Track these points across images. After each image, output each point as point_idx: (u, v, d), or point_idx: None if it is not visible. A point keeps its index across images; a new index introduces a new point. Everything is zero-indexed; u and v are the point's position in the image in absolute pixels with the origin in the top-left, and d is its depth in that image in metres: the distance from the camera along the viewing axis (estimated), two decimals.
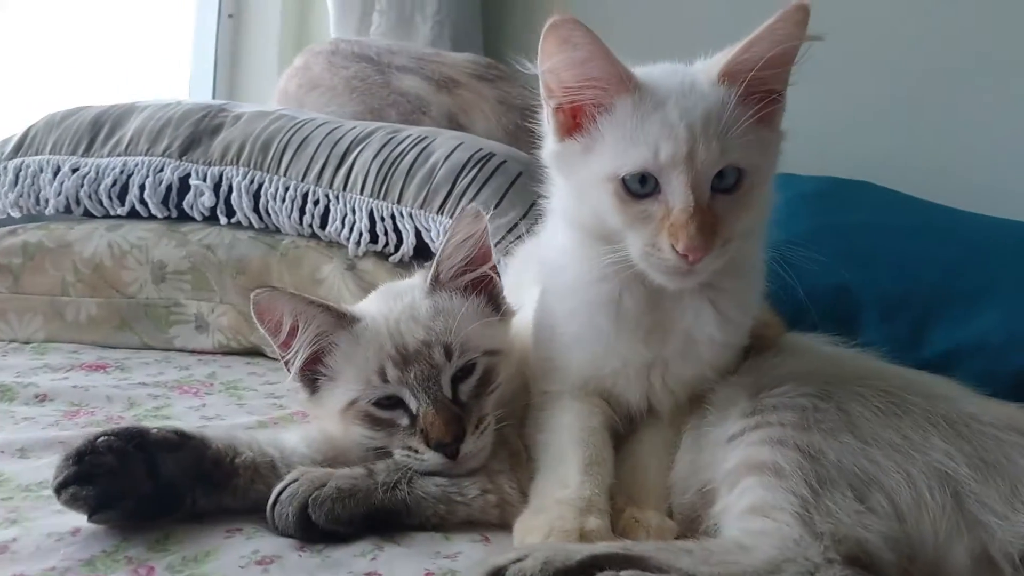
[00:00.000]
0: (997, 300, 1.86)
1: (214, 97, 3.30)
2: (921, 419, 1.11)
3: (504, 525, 1.15)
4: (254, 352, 1.98)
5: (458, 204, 1.87)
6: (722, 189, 1.09)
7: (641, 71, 1.15)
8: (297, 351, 1.22)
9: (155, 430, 1.09)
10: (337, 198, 1.95)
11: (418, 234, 1.89)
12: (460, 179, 1.89)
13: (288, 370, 1.25)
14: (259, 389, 1.70)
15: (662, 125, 1.07)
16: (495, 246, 1.45)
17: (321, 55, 2.49)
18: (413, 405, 1.17)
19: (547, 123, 1.21)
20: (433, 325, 1.21)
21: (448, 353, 1.19)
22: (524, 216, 1.82)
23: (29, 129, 2.25)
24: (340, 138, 2.02)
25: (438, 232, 1.86)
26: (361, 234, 1.91)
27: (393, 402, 1.18)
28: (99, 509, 1.02)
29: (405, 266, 1.89)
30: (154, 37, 3.41)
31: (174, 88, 3.51)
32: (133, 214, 2.08)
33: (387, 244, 1.91)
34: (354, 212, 1.93)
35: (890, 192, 2.10)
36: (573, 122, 1.17)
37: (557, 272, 1.24)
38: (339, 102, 2.38)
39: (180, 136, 2.10)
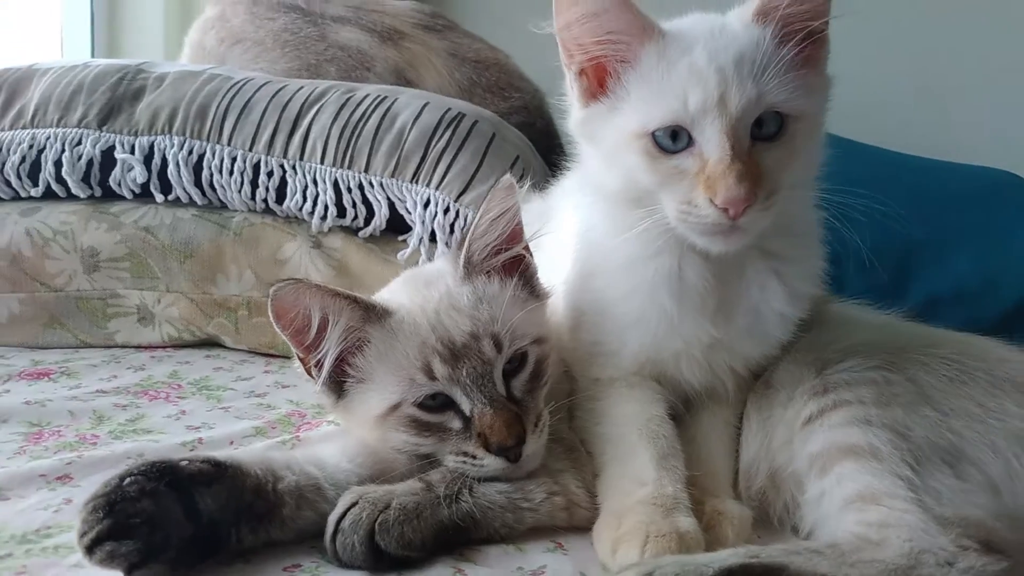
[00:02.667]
0: (965, 246, 1.91)
1: (93, 56, 2.96)
2: (987, 384, 1.10)
3: (572, 528, 1.07)
4: (210, 343, 1.78)
5: (433, 170, 1.72)
6: (763, 137, 1.01)
7: (668, 23, 1.07)
8: (326, 353, 1.08)
9: (185, 462, 0.94)
10: (294, 168, 1.75)
11: (391, 205, 1.72)
12: (433, 143, 1.73)
13: (312, 376, 1.11)
14: (236, 387, 1.52)
15: (690, 71, 1.00)
16: None
17: (240, 4, 2.24)
18: (466, 406, 1.05)
19: (570, 90, 1.13)
20: (478, 314, 1.09)
21: (498, 345, 1.08)
22: None
23: None
24: (289, 100, 1.81)
25: (414, 203, 1.71)
26: (327, 207, 1.72)
27: (440, 402, 1.06)
28: (140, 565, 0.86)
29: (377, 241, 1.74)
30: None
31: (44, 50, 3.12)
32: (49, 194, 1.80)
33: (356, 217, 1.73)
34: (316, 183, 1.73)
35: (851, 142, 2.10)
36: (598, 85, 1.09)
37: (608, 253, 1.14)
38: (269, 58, 2.14)
39: (96, 103, 1.83)
